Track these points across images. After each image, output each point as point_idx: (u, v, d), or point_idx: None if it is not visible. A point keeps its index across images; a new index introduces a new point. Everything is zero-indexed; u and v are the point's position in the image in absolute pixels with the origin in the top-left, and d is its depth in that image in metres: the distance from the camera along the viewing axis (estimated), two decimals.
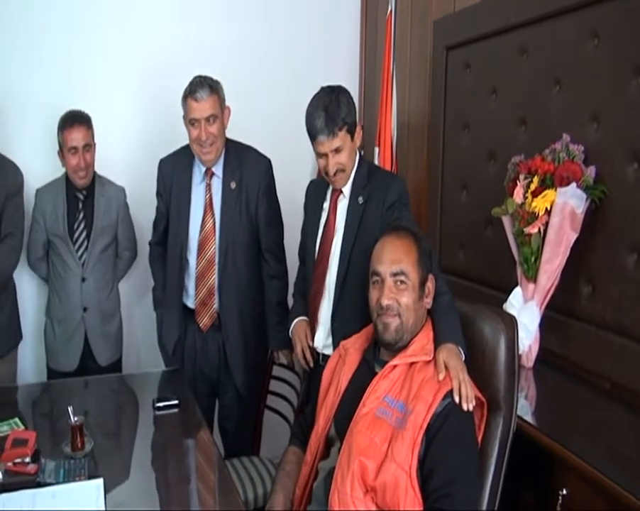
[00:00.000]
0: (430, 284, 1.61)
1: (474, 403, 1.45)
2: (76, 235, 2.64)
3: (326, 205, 2.07)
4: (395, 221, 1.88)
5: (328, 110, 1.87)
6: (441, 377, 1.46)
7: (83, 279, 2.64)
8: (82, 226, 2.65)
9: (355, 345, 1.71)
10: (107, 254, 2.72)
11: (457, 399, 1.43)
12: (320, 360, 2.09)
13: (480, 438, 1.52)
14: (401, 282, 1.56)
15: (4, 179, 2.49)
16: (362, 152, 2.10)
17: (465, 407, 1.43)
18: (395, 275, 1.56)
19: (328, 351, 2.04)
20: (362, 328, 1.76)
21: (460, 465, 1.41)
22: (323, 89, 1.95)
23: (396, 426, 1.45)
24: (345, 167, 1.95)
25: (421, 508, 1.40)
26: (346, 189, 2.01)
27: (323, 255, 2.04)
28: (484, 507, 1.50)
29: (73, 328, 2.66)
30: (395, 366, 1.54)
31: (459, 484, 1.39)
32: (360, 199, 1.98)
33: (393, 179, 2.04)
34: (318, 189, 2.14)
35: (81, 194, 2.66)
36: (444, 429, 1.41)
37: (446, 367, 1.48)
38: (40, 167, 2.79)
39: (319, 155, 1.95)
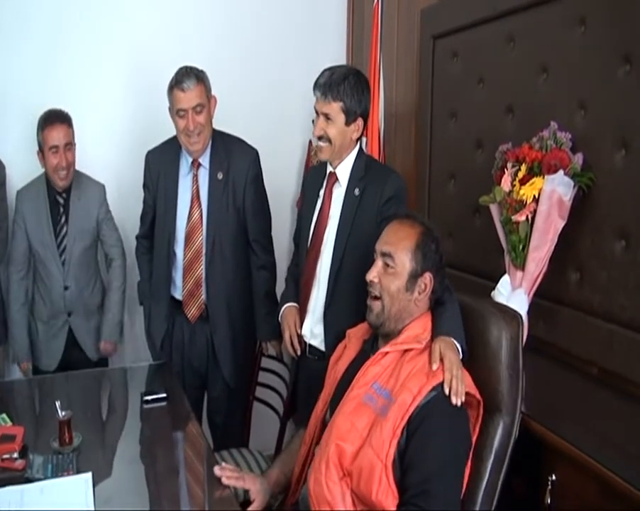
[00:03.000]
0: (426, 282, 1.55)
1: (463, 399, 1.41)
2: (58, 241, 2.59)
3: (322, 192, 2.06)
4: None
5: (334, 76, 1.93)
6: (435, 367, 1.42)
7: (65, 288, 2.59)
8: (64, 231, 2.59)
9: (357, 335, 1.73)
10: (87, 255, 2.64)
11: (447, 391, 1.39)
12: (307, 352, 2.08)
13: (474, 439, 1.48)
14: (388, 265, 1.55)
15: None
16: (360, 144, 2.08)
17: (453, 400, 1.39)
18: (384, 255, 1.56)
19: (315, 342, 2.04)
20: (356, 321, 1.75)
21: (439, 461, 1.37)
22: (347, 65, 2.04)
23: (379, 414, 1.44)
24: (330, 139, 1.94)
25: (395, 499, 1.38)
26: (343, 178, 2.00)
27: (315, 241, 2.03)
28: (477, 507, 1.47)
29: (57, 329, 2.63)
30: (387, 353, 1.53)
31: (437, 481, 1.36)
32: (357, 191, 1.97)
33: (391, 174, 2.02)
34: (316, 176, 2.13)
35: (62, 197, 2.59)
36: (426, 423, 1.38)
37: (441, 359, 1.44)
38: (21, 165, 2.72)
39: (315, 111, 1.98)
